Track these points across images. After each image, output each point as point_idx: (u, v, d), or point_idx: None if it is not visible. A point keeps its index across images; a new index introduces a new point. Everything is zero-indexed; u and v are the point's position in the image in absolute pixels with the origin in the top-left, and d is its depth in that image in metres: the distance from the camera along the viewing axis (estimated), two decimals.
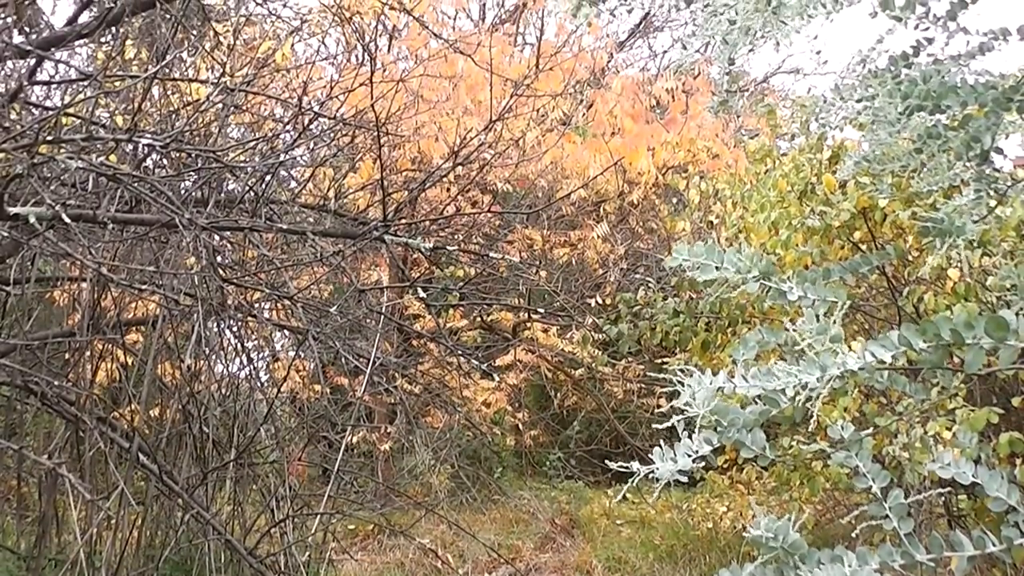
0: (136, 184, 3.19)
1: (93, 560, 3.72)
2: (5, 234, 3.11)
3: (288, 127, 4.43)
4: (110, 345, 4.32)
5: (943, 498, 4.07)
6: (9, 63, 3.86)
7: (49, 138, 2.92)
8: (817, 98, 2.05)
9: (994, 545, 1.39)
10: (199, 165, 3.59)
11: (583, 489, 9.18)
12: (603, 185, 7.39)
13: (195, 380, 4.26)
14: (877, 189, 3.81)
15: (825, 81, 16.67)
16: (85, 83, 3.81)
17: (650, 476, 1.45)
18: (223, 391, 4.65)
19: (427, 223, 5.49)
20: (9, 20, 3.80)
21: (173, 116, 4.00)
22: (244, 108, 4.57)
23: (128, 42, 5.08)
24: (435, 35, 6.54)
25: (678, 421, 1.39)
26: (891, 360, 1.31)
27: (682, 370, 1.50)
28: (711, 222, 6.30)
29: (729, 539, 6.17)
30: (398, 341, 7.98)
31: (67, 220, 2.59)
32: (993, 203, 1.96)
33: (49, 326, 4.56)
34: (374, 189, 5.40)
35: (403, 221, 4.67)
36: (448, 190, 6.87)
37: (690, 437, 1.38)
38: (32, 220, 2.72)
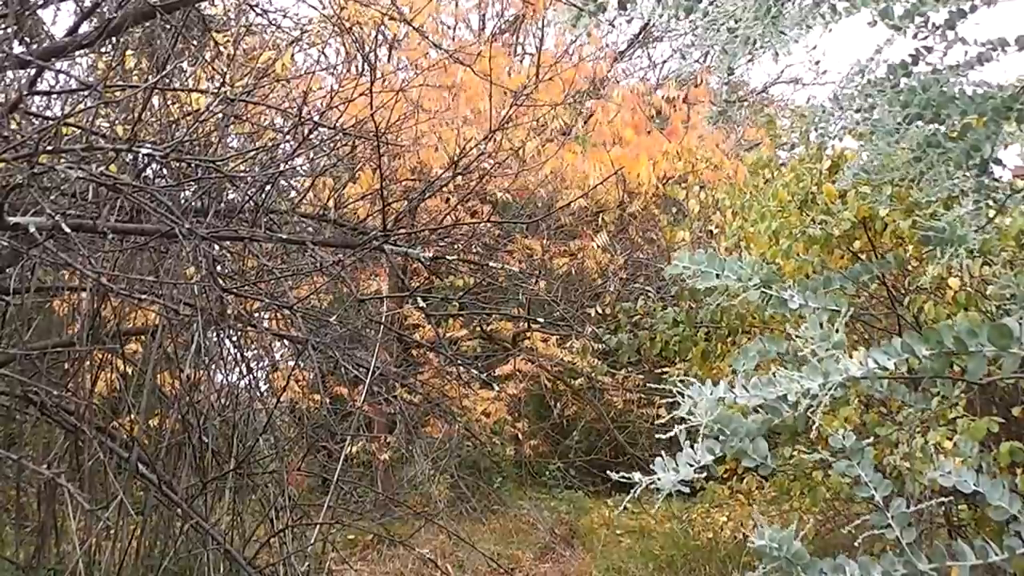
0: (136, 194, 3.19)
1: (92, 570, 3.71)
2: (5, 244, 3.11)
3: (288, 137, 4.44)
4: (110, 355, 4.31)
5: (943, 508, 4.06)
6: (9, 73, 3.87)
7: (49, 148, 2.92)
8: (816, 108, 2.05)
9: (996, 555, 1.39)
10: (199, 175, 3.60)
11: (583, 499, 9.16)
12: (603, 195, 7.40)
13: (194, 390, 4.25)
14: (877, 199, 3.81)
15: (824, 91, 16.68)
16: (85, 93, 3.81)
17: (651, 487, 1.44)
18: (222, 401, 4.64)
19: (427, 233, 5.49)
20: (10, 30, 3.81)
21: (173, 126, 4.01)
22: (244, 118, 4.58)
23: (128, 52, 5.09)
24: (435, 45, 6.56)
25: (680, 431, 1.38)
26: (893, 368, 1.31)
27: (682, 381, 1.50)
28: (711, 232, 6.31)
29: (729, 549, 6.15)
30: (398, 351, 7.97)
31: (67, 230, 2.59)
32: (992, 213, 1.96)
33: (49, 336, 4.55)
34: (374, 199, 5.41)
35: (403, 231, 4.67)
36: (448, 200, 6.87)
37: (692, 446, 1.38)
38: (32, 230, 2.72)
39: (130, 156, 3.25)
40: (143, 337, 4.86)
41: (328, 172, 5.53)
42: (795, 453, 4.30)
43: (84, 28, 4.18)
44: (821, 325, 1.47)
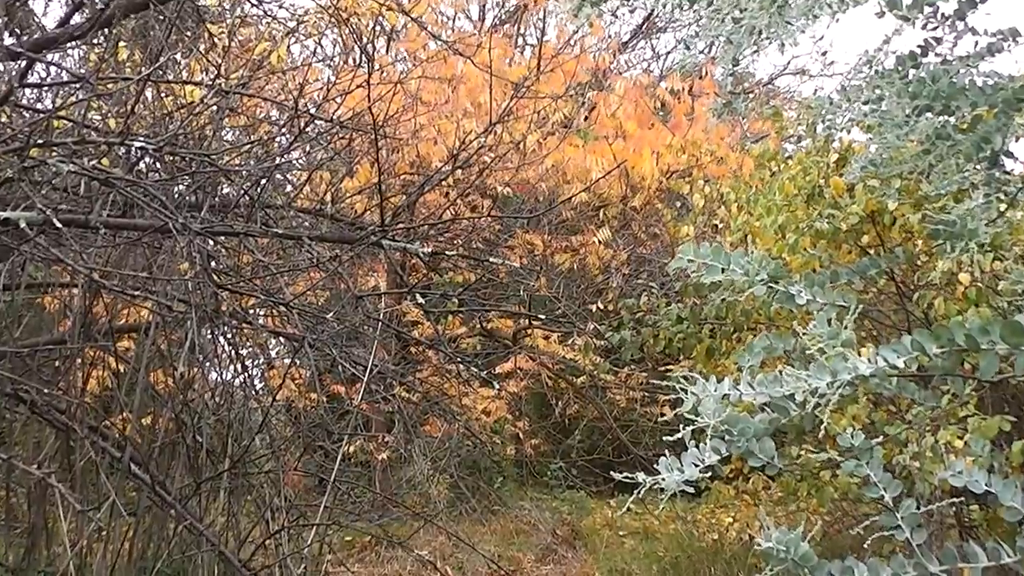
0: (129, 188, 3.19)
1: (84, 573, 3.71)
2: None
3: (284, 130, 4.43)
4: (102, 352, 4.31)
5: (954, 508, 4.06)
6: (0, 65, 3.86)
7: (40, 141, 2.92)
8: (823, 100, 2.04)
9: (1008, 556, 1.39)
10: (193, 169, 3.59)
11: (585, 499, 9.17)
12: (605, 189, 7.39)
13: (188, 388, 4.25)
14: (885, 193, 3.80)
15: (831, 83, 16.63)
16: (77, 85, 3.81)
17: (654, 487, 1.44)
18: (217, 399, 4.64)
19: (425, 228, 5.48)
20: (0, 22, 3.80)
21: (167, 119, 4.00)
22: (239, 111, 4.57)
23: (121, 44, 5.08)
24: (434, 36, 6.55)
25: (686, 431, 1.38)
26: (903, 366, 1.31)
27: (686, 378, 1.50)
28: (716, 226, 6.30)
29: (735, 550, 6.16)
30: (396, 348, 7.97)
31: (58, 225, 2.59)
32: (1003, 206, 1.95)
33: (40, 333, 4.55)
34: (371, 193, 5.40)
35: (401, 226, 4.67)
36: (447, 194, 6.86)
37: (697, 446, 1.38)
38: (23, 225, 2.71)
39: (123, 150, 3.25)
40: (136, 334, 4.86)
41: (325, 166, 5.52)
42: (802, 452, 4.30)
43: (76, 19, 4.17)
44: (829, 322, 1.46)
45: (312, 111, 4.21)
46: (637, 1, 1.92)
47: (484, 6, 11.04)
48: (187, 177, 3.78)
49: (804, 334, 1.47)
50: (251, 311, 4.73)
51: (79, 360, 4.15)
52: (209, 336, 4.42)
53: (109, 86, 3.78)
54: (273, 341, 6.70)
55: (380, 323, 4.80)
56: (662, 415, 7.91)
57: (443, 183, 6.04)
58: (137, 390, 4.08)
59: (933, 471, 3.51)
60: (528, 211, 7.87)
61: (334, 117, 4.57)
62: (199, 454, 4.16)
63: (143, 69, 3.85)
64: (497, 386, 7.39)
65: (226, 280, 4.01)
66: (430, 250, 4.27)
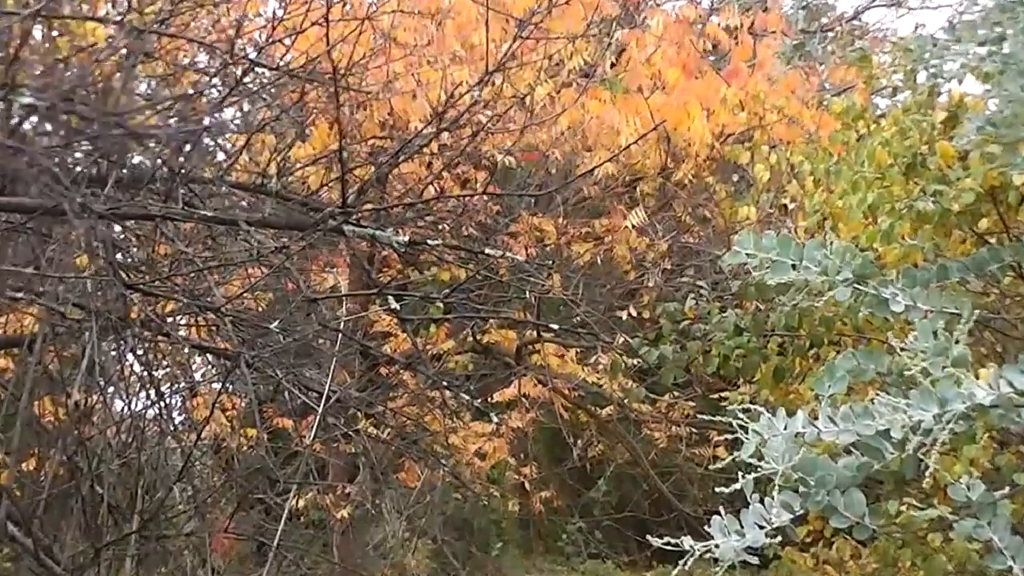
0: (10, 156, 3.19)
1: None
2: None
3: (215, 81, 4.44)
4: None
5: None
6: None
7: None
8: (926, 40, 2.05)
9: None
10: (96, 131, 3.60)
11: (613, 571, 9.17)
12: (639, 158, 7.40)
13: (85, 422, 4.25)
14: (1010, 162, 3.80)
15: (936, 17, 16.65)
16: None
17: (706, 555, 1.44)
18: (123, 437, 4.65)
19: (401, 209, 5.49)
20: None
21: (61, 66, 4.01)
22: (156, 56, 4.58)
23: None
24: None
25: (747, 480, 1.38)
26: None
27: (747, 410, 1.50)
28: (785, 207, 6.31)
29: None
30: (361, 369, 7.98)
31: None
32: None
33: None
34: (330, 163, 5.41)
35: (369, 206, 4.68)
36: (429, 165, 6.88)
37: (762, 501, 1.38)
38: None
39: (2, 105, 3.26)
40: (16, 350, 4.88)
41: (268, 128, 5.53)
42: (902, 509, 4.30)
43: None
44: (935, 334, 1.46)
45: (252, 56, 4.22)
46: None
47: None
48: (88, 142, 3.79)
49: (903, 350, 1.47)
50: (170, 319, 4.74)
51: None
52: (114, 352, 4.43)
53: None
54: (198, 359, 6.71)
55: (340, 335, 4.80)
56: (715, 459, 7.89)
57: (424, 150, 6.05)
58: (17, 424, 4.09)
59: None
60: (536, 186, 7.88)
61: (281, 64, 4.58)
62: (99, 510, 4.17)
63: (31, 1, 3.86)
64: (496, 419, 7.39)
65: (137, 278, 4.02)
66: (407, 238, 4.28)
